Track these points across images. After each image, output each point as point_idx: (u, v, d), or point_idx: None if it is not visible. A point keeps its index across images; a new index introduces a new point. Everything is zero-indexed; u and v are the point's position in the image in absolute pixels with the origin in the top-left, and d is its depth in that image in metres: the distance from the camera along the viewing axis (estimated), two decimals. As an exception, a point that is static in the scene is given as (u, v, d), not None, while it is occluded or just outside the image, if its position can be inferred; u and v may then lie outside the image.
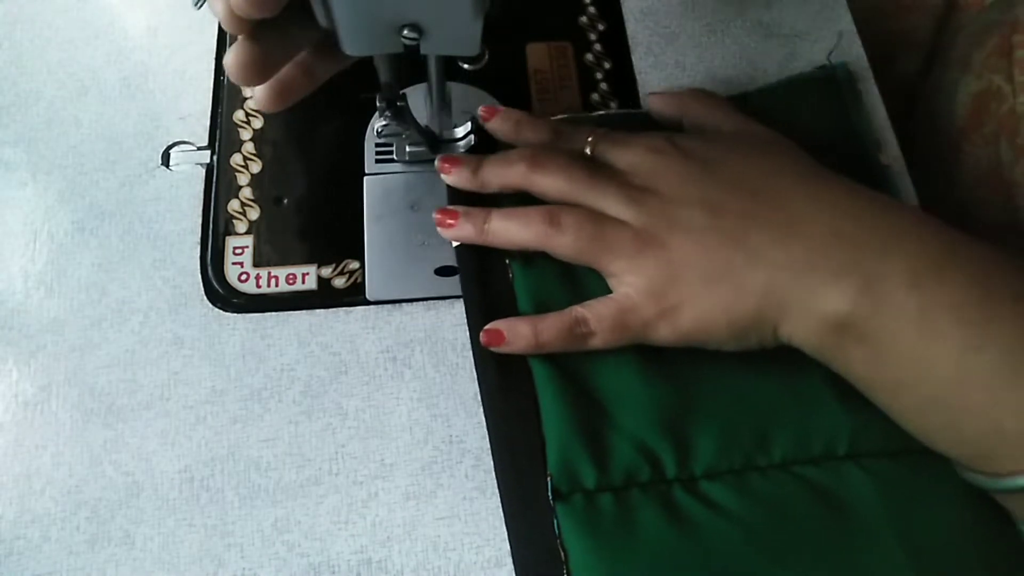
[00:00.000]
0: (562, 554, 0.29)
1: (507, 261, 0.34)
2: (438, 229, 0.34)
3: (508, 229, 0.33)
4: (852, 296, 0.28)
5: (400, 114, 0.35)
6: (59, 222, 0.37)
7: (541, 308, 0.33)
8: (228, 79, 0.40)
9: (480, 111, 0.37)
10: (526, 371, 0.32)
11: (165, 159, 0.38)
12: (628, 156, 0.33)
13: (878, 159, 0.39)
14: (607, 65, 0.41)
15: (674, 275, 0.30)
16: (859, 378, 0.31)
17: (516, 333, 0.32)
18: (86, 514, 0.31)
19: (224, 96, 0.40)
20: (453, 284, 0.35)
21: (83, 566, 0.30)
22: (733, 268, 0.30)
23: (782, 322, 0.30)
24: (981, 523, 0.30)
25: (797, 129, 0.35)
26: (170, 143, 0.39)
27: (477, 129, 0.37)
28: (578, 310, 0.32)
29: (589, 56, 0.42)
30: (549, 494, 0.30)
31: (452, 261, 0.35)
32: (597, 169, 0.33)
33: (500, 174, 0.34)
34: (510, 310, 0.33)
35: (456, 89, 0.40)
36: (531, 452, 0.31)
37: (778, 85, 0.40)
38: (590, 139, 0.34)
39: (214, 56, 0.41)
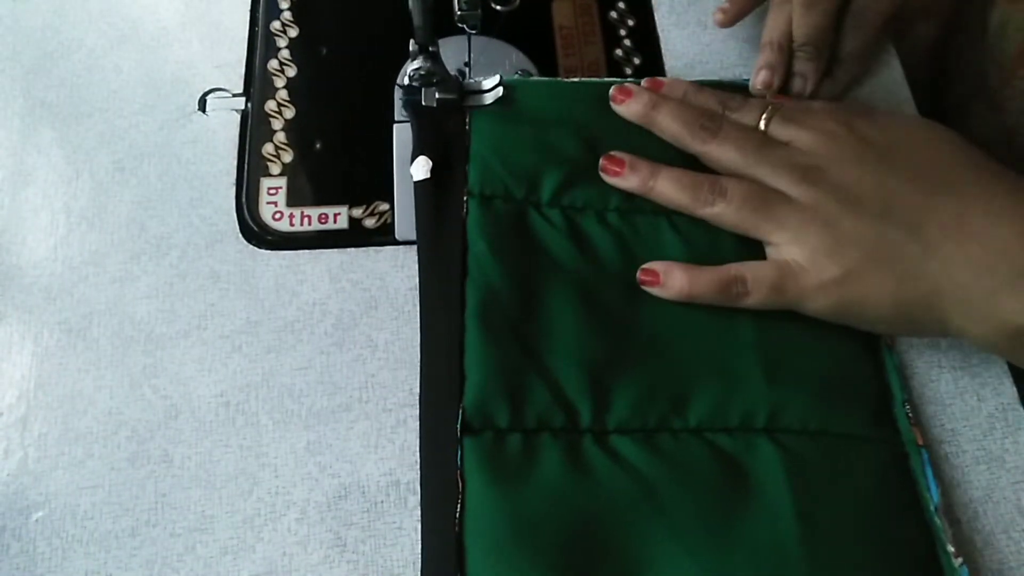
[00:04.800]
0: (460, 485, 0.29)
1: (464, 199, 0.35)
2: (603, 175, 0.35)
3: (672, 190, 0.33)
4: None
5: (432, 59, 0.36)
6: (100, 162, 0.38)
7: (492, 247, 0.33)
8: (262, 30, 0.41)
9: (612, 92, 0.36)
10: (458, 306, 0.32)
11: (202, 105, 0.40)
12: (804, 137, 0.33)
13: None
14: (631, 22, 0.43)
15: (841, 251, 0.30)
16: None
17: (671, 276, 0.32)
18: (126, 433, 0.33)
19: (259, 45, 0.41)
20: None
21: (124, 481, 0.32)
22: (905, 255, 0.30)
23: (954, 318, 0.30)
24: (885, 516, 0.31)
25: None
26: (206, 90, 0.40)
27: (505, 82, 0.38)
28: (737, 268, 0.32)
29: (613, 13, 0.43)
30: (458, 426, 0.30)
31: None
32: (772, 147, 0.33)
33: (674, 127, 0.34)
34: (457, 247, 0.33)
35: (483, 43, 0.41)
36: (450, 386, 0.31)
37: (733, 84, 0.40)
38: (765, 114, 0.34)
39: (249, 6, 0.42)
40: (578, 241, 0.34)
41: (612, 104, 0.36)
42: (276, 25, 0.42)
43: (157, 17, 0.42)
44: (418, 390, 0.33)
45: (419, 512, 0.31)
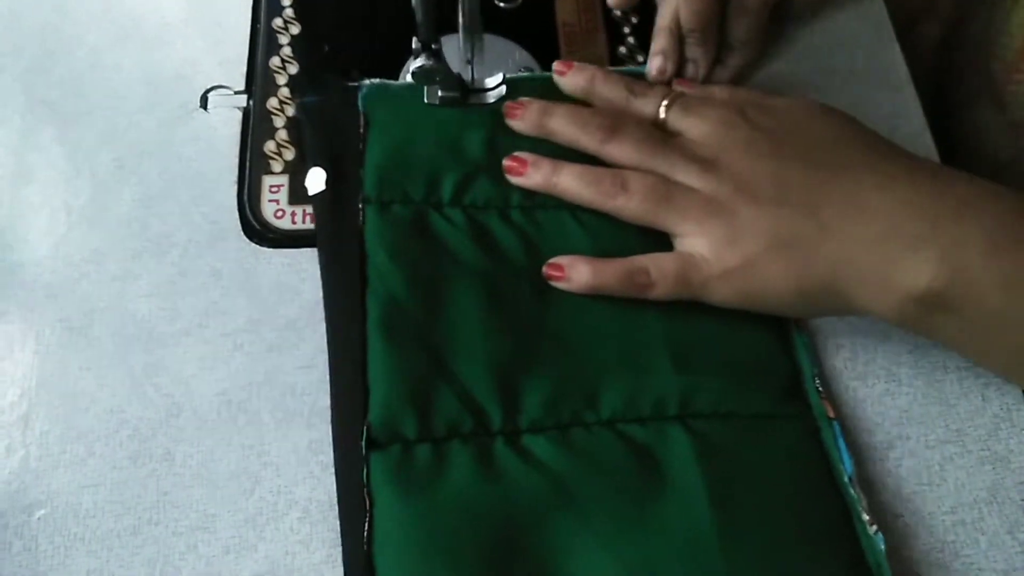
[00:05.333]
0: (367, 503, 0.29)
1: (360, 206, 0.34)
2: (507, 176, 0.35)
3: (575, 186, 0.34)
4: (932, 267, 0.28)
5: (435, 57, 0.36)
6: (101, 159, 0.38)
7: (392, 254, 0.33)
8: (264, 27, 0.41)
9: (555, 65, 0.37)
10: (360, 319, 0.32)
11: (203, 102, 0.40)
12: (701, 126, 0.33)
13: None
14: (634, 19, 0.42)
15: (741, 239, 0.31)
16: (946, 343, 0.31)
17: (576, 269, 0.33)
18: (128, 432, 0.32)
19: (261, 42, 0.41)
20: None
21: (126, 479, 0.32)
22: (804, 238, 0.30)
23: (857, 294, 0.30)
24: (799, 490, 0.31)
25: None
26: (208, 87, 0.40)
27: (508, 80, 0.38)
28: (641, 260, 0.32)
29: (616, 11, 0.42)
30: (363, 443, 0.30)
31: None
32: (668, 140, 0.34)
33: (569, 131, 0.35)
34: (355, 258, 0.33)
35: (486, 40, 0.41)
36: (356, 401, 0.31)
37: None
38: (665, 102, 0.35)
39: (251, 3, 0.42)
40: (482, 240, 0.34)
41: (507, 120, 0.36)
42: (278, 22, 0.41)
43: (158, 14, 0.42)
44: None
45: None
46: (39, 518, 0.31)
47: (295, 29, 0.41)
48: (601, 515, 0.29)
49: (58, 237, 0.36)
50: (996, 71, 0.42)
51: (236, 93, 0.40)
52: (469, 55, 0.38)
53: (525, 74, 0.39)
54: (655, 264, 0.32)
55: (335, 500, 0.31)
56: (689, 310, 0.33)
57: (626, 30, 0.42)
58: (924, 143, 0.40)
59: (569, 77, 0.36)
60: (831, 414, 0.33)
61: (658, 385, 0.32)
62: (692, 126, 0.34)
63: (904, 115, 0.40)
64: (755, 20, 0.38)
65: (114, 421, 0.33)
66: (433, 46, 0.35)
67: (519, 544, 0.29)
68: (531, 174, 0.34)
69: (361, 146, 0.36)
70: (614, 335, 0.33)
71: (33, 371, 0.33)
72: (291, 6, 0.42)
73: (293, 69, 0.40)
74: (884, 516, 0.32)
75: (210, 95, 0.40)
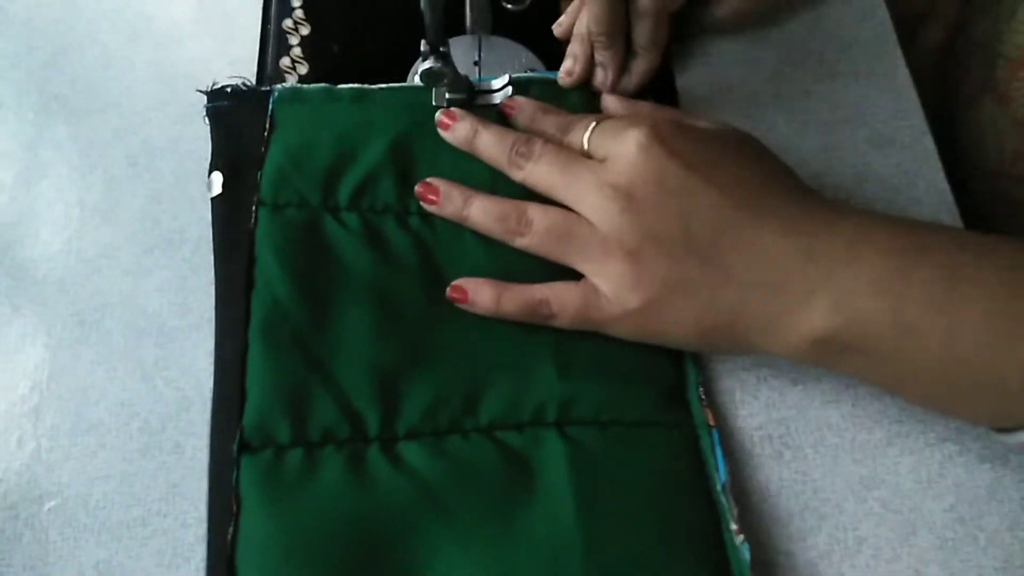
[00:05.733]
0: (235, 507, 0.29)
1: (253, 208, 0.34)
2: (421, 203, 0.35)
3: (484, 221, 0.34)
4: (825, 315, 0.29)
5: (443, 59, 0.36)
6: (113, 156, 0.39)
7: (280, 258, 0.33)
8: (274, 27, 0.42)
9: (438, 116, 0.36)
10: (244, 322, 0.32)
11: (214, 101, 0.40)
12: (617, 153, 0.32)
13: None
14: (639, 23, 0.43)
15: (641, 282, 0.31)
16: (855, 378, 0.32)
17: (479, 294, 0.33)
18: (139, 424, 0.33)
19: (271, 42, 0.41)
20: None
21: (136, 471, 0.32)
22: (704, 284, 0.31)
23: (755, 341, 0.31)
24: (671, 498, 0.31)
25: None
26: (218, 86, 0.40)
27: (514, 81, 0.39)
28: (544, 292, 0.32)
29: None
30: (235, 446, 0.30)
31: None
32: (581, 169, 0.33)
33: (492, 153, 0.35)
34: (244, 256, 0.33)
35: (494, 42, 0.41)
36: (232, 405, 0.31)
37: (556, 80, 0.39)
38: (592, 125, 0.34)
39: (261, 4, 0.43)
40: (376, 246, 0.34)
41: (439, 130, 0.36)
42: (288, 23, 0.42)
43: (170, 14, 0.43)
44: None
45: None
46: (49, 509, 0.31)
47: (305, 30, 0.42)
48: (467, 523, 0.30)
49: (71, 232, 0.37)
50: (1000, 67, 0.43)
51: (246, 92, 0.40)
52: (476, 57, 0.38)
53: (528, 75, 0.40)
54: (557, 297, 0.32)
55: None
56: None
57: (631, 33, 0.43)
58: (925, 144, 0.40)
59: (451, 132, 0.36)
60: (711, 422, 0.33)
61: (540, 391, 0.32)
62: (609, 152, 0.33)
63: (905, 117, 0.41)
64: (653, 25, 0.37)
65: (125, 414, 0.33)
66: (441, 48, 0.36)
67: (382, 551, 0.29)
68: (444, 205, 0.34)
69: (264, 149, 0.36)
70: (503, 340, 0.33)
71: (45, 364, 0.34)
72: (301, 7, 0.42)
73: (303, 69, 0.41)
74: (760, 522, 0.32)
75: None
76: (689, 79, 0.42)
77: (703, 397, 0.33)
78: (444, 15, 0.34)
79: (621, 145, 0.32)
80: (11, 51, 0.41)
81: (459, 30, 0.41)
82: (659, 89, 0.41)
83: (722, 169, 0.32)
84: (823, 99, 0.41)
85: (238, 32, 0.42)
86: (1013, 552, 0.31)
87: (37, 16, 0.43)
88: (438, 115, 0.36)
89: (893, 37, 0.43)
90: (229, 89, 0.38)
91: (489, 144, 0.35)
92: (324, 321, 0.32)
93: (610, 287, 0.31)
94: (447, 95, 0.39)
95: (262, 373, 0.31)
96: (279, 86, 0.38)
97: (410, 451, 0.31)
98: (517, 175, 0.34)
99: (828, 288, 0.29)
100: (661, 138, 0.32)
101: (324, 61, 0.41)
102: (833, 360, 0.31)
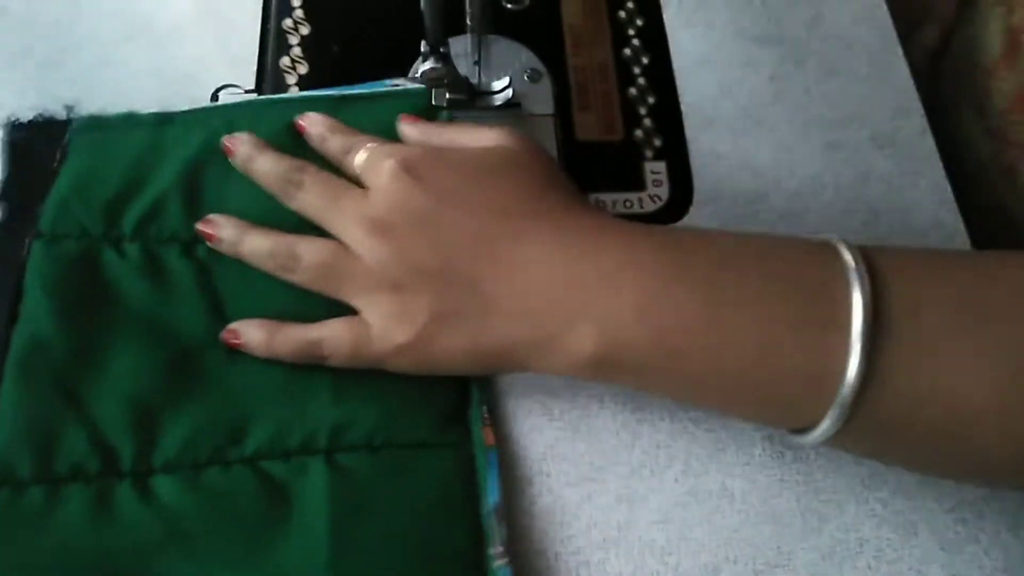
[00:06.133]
0: None
1: (27, 241, 0.33)
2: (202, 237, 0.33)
3: (257, 256, 0.33)
4: (591, 339, 0.29)
5: (443, 60, 0.36)
6: (112, 157, 0.39)
7: (48, 290, 0.32)
8: (274, 27, 0.42)
9: (224, 142, 0.34)
10: (2, 356, 0.31)
11: (214, 101, 0.40)
12: (375, 182, 0.32)
13: None
14: (639, 22, 0.43)
15: (408, 316, 0.30)
16: (641, 392, 0.32)
17: (248, 335, 0.32)
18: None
19: (271, 42, 0.41)
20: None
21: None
22: (471, 313, 0.30)
23: (530, 362, 0.30)
24: (437, 522, 0.30)
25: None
26: (219, 86, 0.40)
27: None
28: (316, 332, 0.31)
29: (622, 13, 0.43)
30: None
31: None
32: (347, 200, 0.32)
33: (267, 181, 0.33)
34: (11, 289, 0.32)
35: (493, 41, 0.41)
36: None
37: (374, 96, 0.38)
38: (366, 153, 0.33)
39: (261, 3, 0.43)
40: (155, 277, 0.33)
41: (225, 152, 0.34)
42: (288, 22, 0.42)
43: (169, 13, 0.43)
44: None
45: None
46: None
47: (305, 29, 0.42)
48: (214, 558, 0.29)
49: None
50: (978, 75, 0.43)
51: (246, 92, 0.40)
52: (476, 57, 0.38)
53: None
54: (329, 338, 0.31)
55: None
56: None
57: (631, 32, 0.43)
58: (926, 144, 0.40)
59: (233, 158, 0.34)
60: (490, 441, 0.32)
61: (312, 418, 0.31)
62: (371, 179, 0.32)
63: (906, 116, 0.41)
64: None
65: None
66: (441, 49, 0.36)
67: None
68: (219, 241, 0.33)
69: (51, 180, 0.35)
70: (279, 370, 0.32)
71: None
72: (301, 7, 0.42)
73: (303, 69, 0.41)
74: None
75: (220, 94, 0.40)
76: (689, 79, 0.42)
77: (486, 417, 0.33)
78: (444, 15, 0.34)
79: (378, 177, 0.32)
80: (11, 51, 0.41)
81: (459, 30, 0.40)
82: (660, 89, 0.41)
83: (480, 196, 0.31)
84: (824, 99, 0.41)
85: (237, 31, 0.42)
86: (1014, 553, 0.31)
87: (36, 15, 0.42)
88: (223, 139, 0.34)
89: (894, 36, 0.43)
90: (27, 121, 0.36)
91: (264, 171, 0.34)
92: (88, 355, 0.31)
93: (378, 322, 0.31)
94: (447, 96, 0.39)
95: (12, 408, 0.30)
96: (79, 116, 0.37)
97: (163, 485, 0.30)
98: (291, 204, 0.33)
99: (590, 315, 0.29)
100: (409, 167, 0.31)
101: (324, 61, 0.41)
102: (609, 378, 0.30)
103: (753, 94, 0.41)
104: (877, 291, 0.26)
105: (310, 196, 0.33)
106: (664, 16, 0.43)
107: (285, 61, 0.41)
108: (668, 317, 0.28)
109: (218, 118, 0.36)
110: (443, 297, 0.30)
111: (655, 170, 0.39)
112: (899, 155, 0.40)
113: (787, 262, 0.29)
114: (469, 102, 0.39)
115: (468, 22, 0.40)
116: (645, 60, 0.42)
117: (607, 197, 0.38)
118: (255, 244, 0.33)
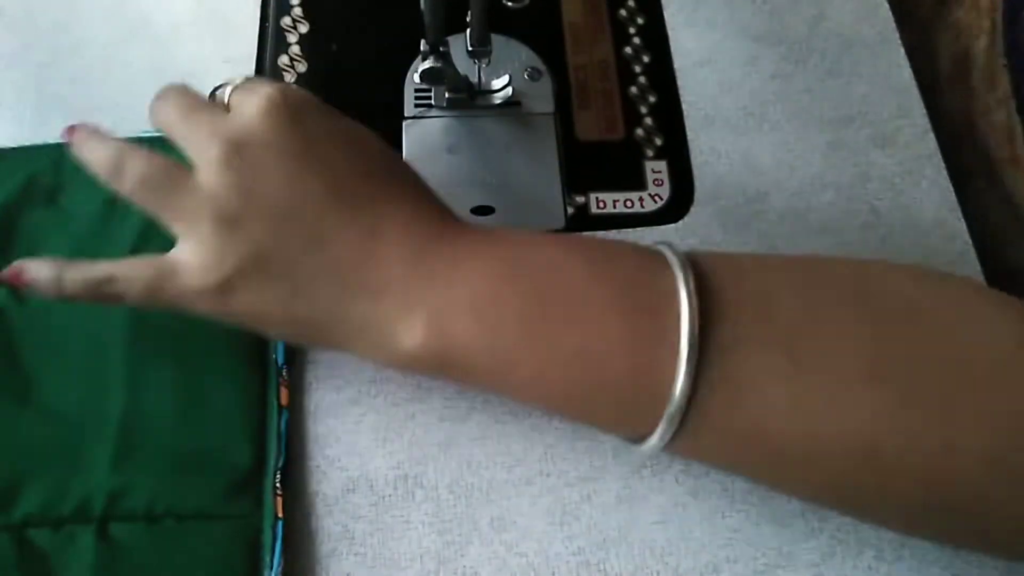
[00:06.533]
0: None
1: None
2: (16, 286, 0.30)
3: (92, 153, 0.30)
4: (420, 332, 0.27)
5: (443, 59, 0.36)
6: (112, 156, 0.38)
7: None
8: (272, 25, 0.42)
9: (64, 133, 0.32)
10: None
11: (211, 99, 0.40)
12: (244, 101, 0.29)
13: None
14: (640, 21, 0.43)
15: (227, 255, 0.27)
16: (472, 389, 0.32)
17: (38, 272, 0.29)
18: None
19: (269, 41, 0.41)
20: (488, 223, 0.37)
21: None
22: (302, 269, 0.27)
23: (353, 343, 0.28)
24: None
25: None
26: (217, 85, 0.40)
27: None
28: (110, 268, 0.28)
29: (622, 11, 0.43)
30: None
31: (487, 201, 0.37)
32: (203, 114, 0.29)
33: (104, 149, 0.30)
34: None
35: (494, 41, 0.41)
36: None
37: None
38: (240, 81, 0.31)
39: (260, 2, 0.43)
40: None
41: (74, 151, 0.31)
42: (286, 21, 0.42)
43: (168, 12, 0.43)
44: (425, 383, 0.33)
45: (427, 506, 0.31)
46: None
47: (303, 28, 0.42)
48: None
49: (69, 233, 0.37)
50: (934, 92, 0.43)
51: (245, 91, 0.40)
52: (476, 55, 0.38)
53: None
54: (124, 271, 0.28)
55: (340, 494, 0.31)
56: (160, 391, 0.32)
57: (631, 31, 0.42)
58: (927, 144, 0.40)
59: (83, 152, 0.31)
60: (280, 513, 0.30)
61: (90, 483, 0.30)
62: (237, 104, 0.29)
63: (907, 115, 0.41)
64: None
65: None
66: (441, 48, 0.36)
67: None
68: (79, 136, 0.30)
69: None
70: (58, 425, 0.31)
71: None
72: (300, 5, 0.42)
73: (302, 68, 0.41)
74: None
75: (219, 93, 0.40)
76: (690, 78, 0.41)
77: (278, 486, 0.31)
78: (444, 14, 0.34)
79: (249, 97, 0.29)
80: (10, 51, 0.41)
81: (459, 29, 0.40)
82: (660, 88, 0.41)
83: (350, 156, 0.29)
84: (825, 98, 0.41)
85: (235, 30, 0.42)
86: (1015, 553, 0.31)
87: (35, 15, 0.42)
88: (64, 128, 0.32)
89: (895, 35, 0.43)
90: None
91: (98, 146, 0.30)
92: None
93: (193, 255, 0.27)
94: (447, 95, 0.39)
95: None
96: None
97: None
98: (150, 117, 0.31)
99: (426, 304, 0.27)
100: (291, 102, 0.28)
101: (322, 59, 0.41)
102: (436, 373, 0.29)
103: (754, 93, 0.41)
104: (704, 309, 0.25)
105: (166, 106, 0.30)
106: (665, 14, 0.43)
107: (284, 59, 0.41)
108: (501, 327, 0.27)
109: (44, 156, 0.36)
110: (276, 241, 0.27)
111: (656, 169, 0.39)
112: (900, 154, 0.40)
113: (619, 270, 0.27)
114: (469, 100, 0.39)
115: (468, 20, 0.40)
116: (646, 59, 0.42)
117: (607, 196, 0.38)
118: (94, 141, 0.30)
